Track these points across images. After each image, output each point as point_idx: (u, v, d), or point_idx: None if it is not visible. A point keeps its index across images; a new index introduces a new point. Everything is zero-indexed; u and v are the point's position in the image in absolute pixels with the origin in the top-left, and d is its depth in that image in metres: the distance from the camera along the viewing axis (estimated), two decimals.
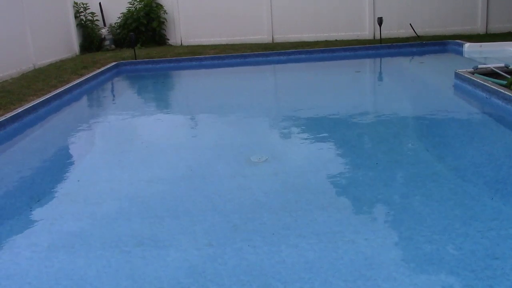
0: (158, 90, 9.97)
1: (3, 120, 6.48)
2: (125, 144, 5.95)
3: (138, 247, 3.31)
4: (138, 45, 13.57)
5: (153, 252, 3.25)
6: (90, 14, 13.94)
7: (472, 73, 7.39)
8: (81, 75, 9.98)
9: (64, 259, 3.23)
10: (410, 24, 13.10)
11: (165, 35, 14.33)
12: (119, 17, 14.27)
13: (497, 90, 6.25)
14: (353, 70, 10.55)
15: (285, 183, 4.28)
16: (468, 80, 7.17)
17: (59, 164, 5.39)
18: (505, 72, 7.18)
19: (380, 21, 11.90)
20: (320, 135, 5.79)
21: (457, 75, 7.64)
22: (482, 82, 6.73)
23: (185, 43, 14.19)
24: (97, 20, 14.12)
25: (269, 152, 5.09)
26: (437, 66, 10.54)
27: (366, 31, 13.52)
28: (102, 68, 10.88)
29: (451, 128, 5.77)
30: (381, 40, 12.18)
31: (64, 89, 8.66)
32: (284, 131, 6.11)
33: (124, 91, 10.20)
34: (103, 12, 14.43)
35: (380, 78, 10.10)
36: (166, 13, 14.16)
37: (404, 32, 13.21)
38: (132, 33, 12.26)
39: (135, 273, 3.00)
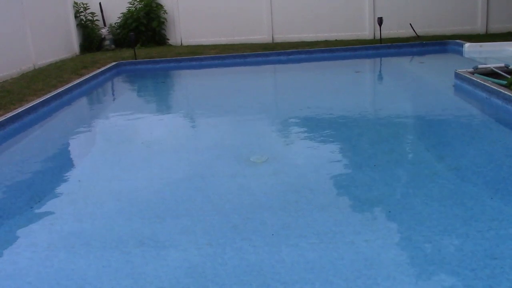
0: (158, 90, 9.97)
1: (3, 120, 6.48)
2: (125, 144, 5.95)
3: (138, 247, 3.31)
4: (138, 45, 13.57)
5: (153, 252, 3.24)
6: (90, 14, 13.95)
7: (472, 73, 7.39)
8: (81, 75, 9.98)
9: (64, 259, 3.23)
10: (410, 24, 13.10)
11: (165, 35, 14.33)
12: (119, 17, 14.28)
13: (497, 90, 6.25)
14: (353, 70, 10.54)
15: (285, 183, 4.28)
16: (468, 80, 7.18)
17: (59, 164, 5.40)
18: (505, 72, 7.18)
19: (380, 21, 11.89)
20: (320, 135, 5.79)
21: (457, 75, 7.65)
22: (482, 82, 6.73)
23: (185, 43, 14.20)
24: (97, 20, 14.13)
25: (269, 152, 5.09)
26: (437, 66, 10.54)
27: (366, 31, 13.52)
28: (102, 68, 10.88)
29: (451, 128, 5.76)
30: (381, 40, 12.18)
31: (64, 89, 8.66)
32: (284, 131, 6.11)
33: (124, 91, 10.20)
34: (103, 12, 14.44)
35: (380, 78, 10.10)
36: (166, 13, 14.16)
37: (404, 32, 13.21)
38: (132, 33, 12.25)
39: (135, 273, 3.00)
